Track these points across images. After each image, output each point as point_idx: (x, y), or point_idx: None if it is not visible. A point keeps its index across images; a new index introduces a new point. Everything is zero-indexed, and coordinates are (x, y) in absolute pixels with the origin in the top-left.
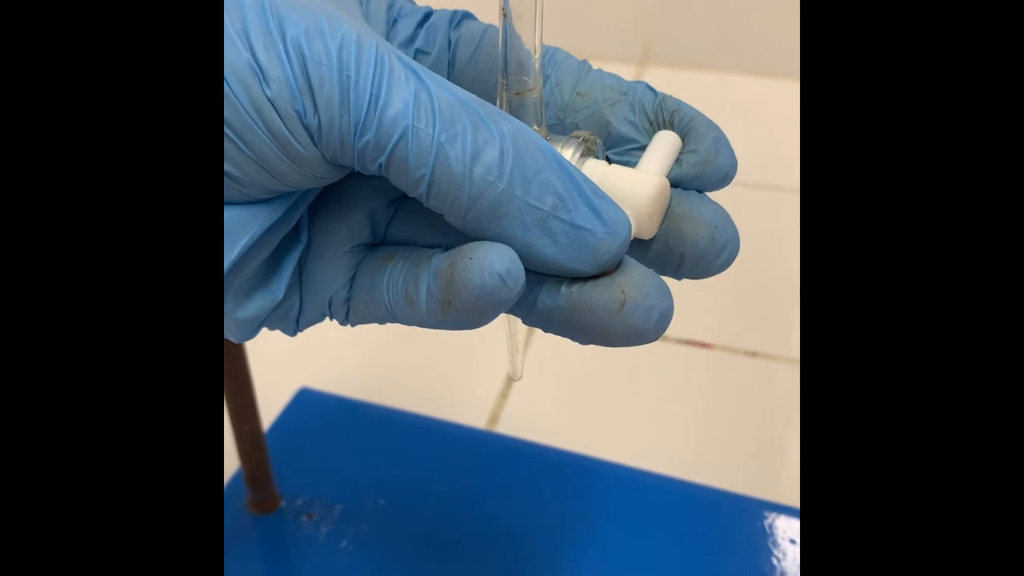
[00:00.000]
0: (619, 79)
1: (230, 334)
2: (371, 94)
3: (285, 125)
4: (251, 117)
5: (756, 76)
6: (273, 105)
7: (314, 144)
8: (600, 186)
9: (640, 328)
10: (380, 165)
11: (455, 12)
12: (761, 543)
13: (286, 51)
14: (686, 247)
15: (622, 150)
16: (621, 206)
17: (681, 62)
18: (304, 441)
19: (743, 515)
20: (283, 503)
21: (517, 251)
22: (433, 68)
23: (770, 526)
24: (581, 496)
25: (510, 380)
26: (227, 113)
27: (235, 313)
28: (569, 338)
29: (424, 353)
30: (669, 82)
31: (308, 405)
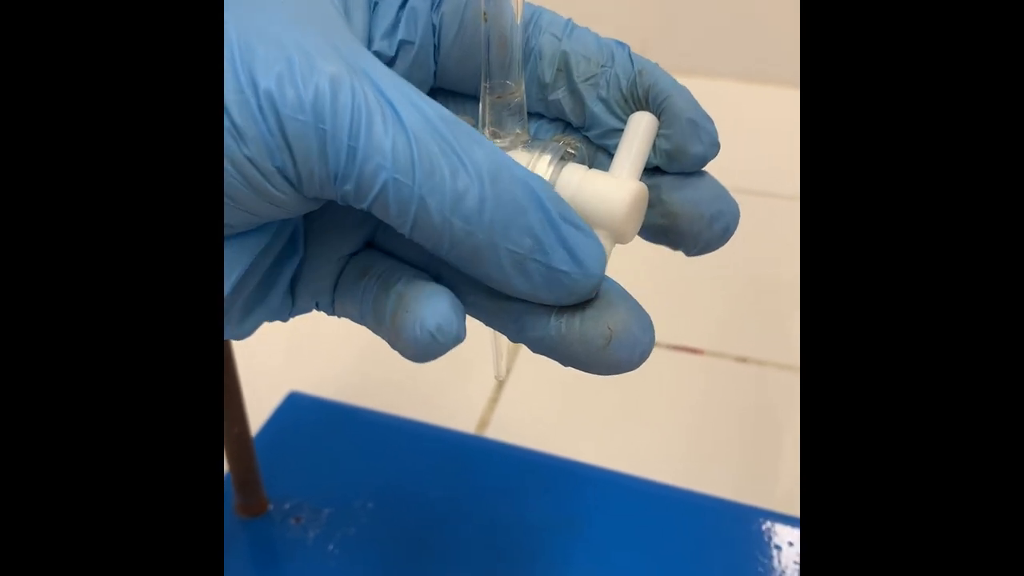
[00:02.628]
0: (600, 45)
1: (229, 336)
2: (348, 146)
3: (266, 180)
4: (232, 175)
5: (755, 83)
6: (253, 163)
7: (295, 191)
8: (575, 200)
9: (624, 361)
10: (363, 208)
11: None
12: (751, 549)
13: (260, 108)
14: (688, 241)
15: (601, 132)
16: (597, 219)
17: (679, 69)
18: (293, 445)
19: (733, 521)
20: (271, 507)
21: (496, 286)
22: (419, 57)
23: (760, 532)
24: (570, 501)
25: (500, 385)
26: None
27: (237, 329)
28: (553, 360)
29: None
30: None
31: (297, 409)
